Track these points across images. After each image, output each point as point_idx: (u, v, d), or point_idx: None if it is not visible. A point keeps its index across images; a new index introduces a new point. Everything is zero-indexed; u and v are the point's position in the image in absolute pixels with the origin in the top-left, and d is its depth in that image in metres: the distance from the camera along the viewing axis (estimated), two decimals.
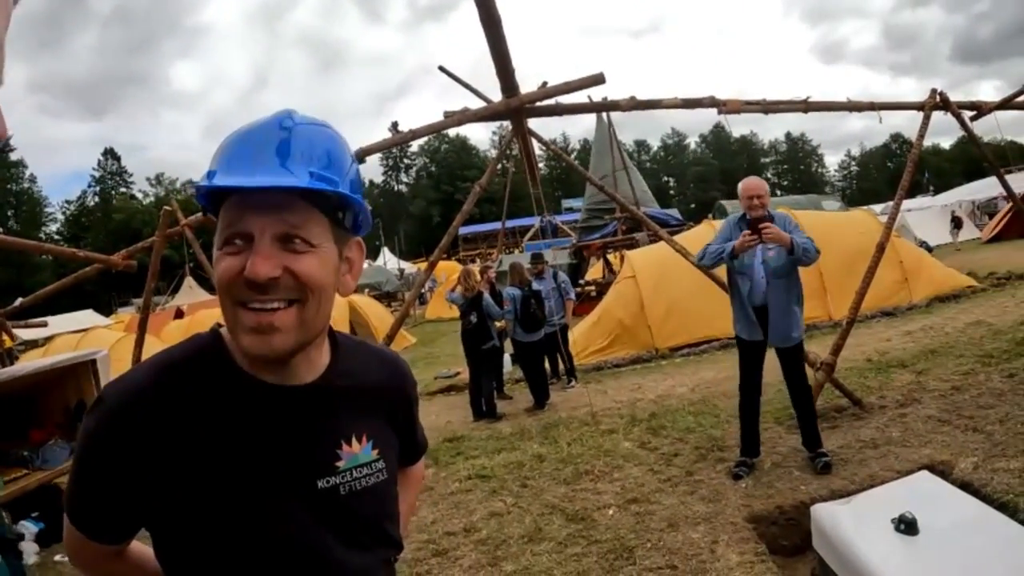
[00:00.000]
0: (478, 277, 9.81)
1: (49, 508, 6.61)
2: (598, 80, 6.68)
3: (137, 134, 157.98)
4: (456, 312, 11.03)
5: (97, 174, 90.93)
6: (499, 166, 8.04)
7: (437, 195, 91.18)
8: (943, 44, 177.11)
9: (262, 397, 1.16)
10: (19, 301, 10.44)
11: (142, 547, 1.32)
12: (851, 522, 3.53)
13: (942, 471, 4.59)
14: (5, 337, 10.90)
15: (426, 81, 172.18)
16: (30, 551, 6.10)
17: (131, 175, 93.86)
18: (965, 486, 4.19)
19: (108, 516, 1.17)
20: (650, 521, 4.90)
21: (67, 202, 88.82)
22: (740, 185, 5.49)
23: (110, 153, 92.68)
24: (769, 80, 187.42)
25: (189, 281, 40.41)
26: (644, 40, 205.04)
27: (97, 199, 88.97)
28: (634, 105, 6.85)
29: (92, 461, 1.13)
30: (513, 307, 9.47)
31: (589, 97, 7.07)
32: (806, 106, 6.97)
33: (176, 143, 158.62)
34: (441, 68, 8.47)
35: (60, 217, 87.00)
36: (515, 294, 9.50)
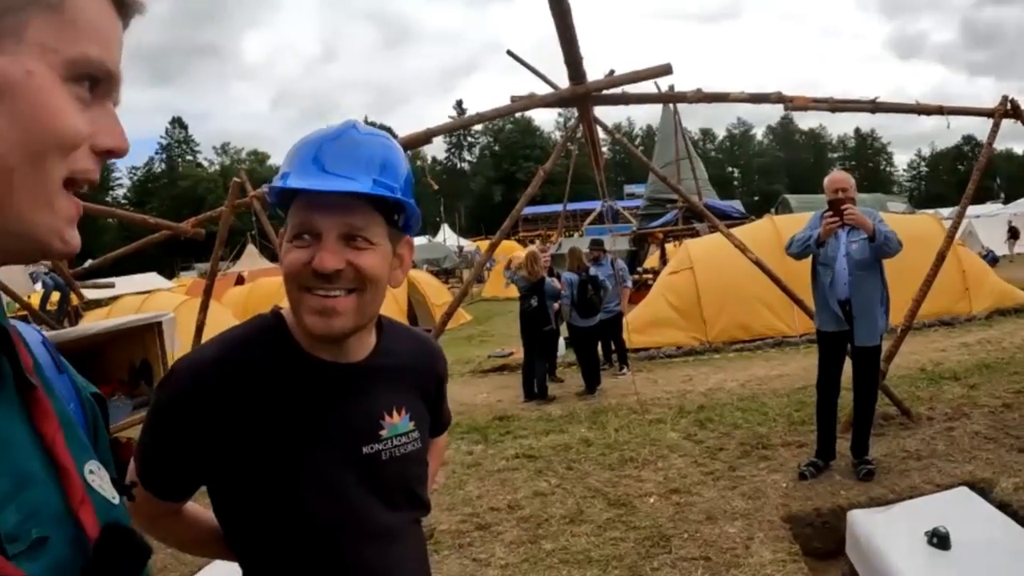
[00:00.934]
0: (542, 262, 9.96)
1: (114, 460, 6.97)
2: (666, 70, 6.77)
3: (204, 103, 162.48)
4: (512, 292, 11.19)
5: (164, 141, 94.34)
6: (570, 147, 8.18)
7: (498, 174, 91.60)
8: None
9: (318, 372, 1.34)
10: (89, 263, 10.87)
11: (196, 507, 1.50)
12: (884, 531, 3.64)
13: (982, 489, 4.65)
14: (73, 296, 11.35)
15: (492, 58, 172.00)
16: None
17: (197, 143, 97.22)
18: (1003, 506, 4.26)
19: (174, 477, 1.35)
20: (689, 512, 5.06)
21: (134, 168, 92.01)
22: (826, 179, 5.58)
23: (178, 122, 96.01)
24: (841, 72, 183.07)
25: (251, 249, 41.22)
26: (718, 26, 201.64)
27: (163, 166, 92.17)
28: (700, 97, 6.92)
29: (162, 429, 1.32)
30: (570, 292, 9.63)
31: (657, 86, 7.16)
32: (873, 106, 6.96)
33: (242, 113, 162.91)
34: (509, 52, 8.57)
35: (127, 182, 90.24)
36: (572, 279, 9.66)
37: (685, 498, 5.33)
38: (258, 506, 1.29)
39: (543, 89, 7.25)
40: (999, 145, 7.08)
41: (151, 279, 32.99)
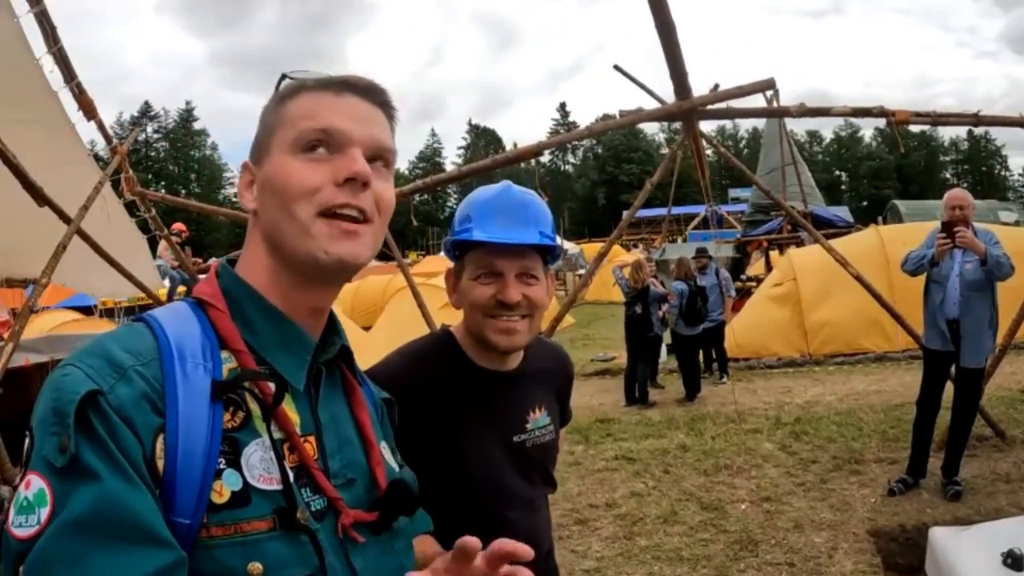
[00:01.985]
0: (647, 271, 10.26)
1: None
2: (769, 85, 6.96)
3: None
4: (615, 295, 11.45)
5: None
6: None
7: (602, 176, 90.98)
8: None
9: (482, 378, 1.74)
10: (213, 260, 11.68)
11: None
12: (962, 549, 3.86)
13: None
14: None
15: (597, 60, 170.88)
16: None
17: None
18: None
19: None
20: (778, 520, 5.35)
21: None
22: (945, 196, 5.78)
23: None
24: (952, 67, 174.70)
25: None
26: (825, 21, 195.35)
27: None
28: (804, 112, 7.05)
29: None
30: (679, 301, 9.91)
31: (766, 97, 7.30)
32: (976, 120, 6.93)
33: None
34: (616, 67, 8.83)
35: (237, 181, 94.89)
36: (682, 288, 9.96)
37: (775, 506, 5.62)
38: (430, 479, 1.65)
39: (648, 99, 7.57)
40: None
41: None
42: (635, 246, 37.66)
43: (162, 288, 11.43)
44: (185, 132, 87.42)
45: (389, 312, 16.17)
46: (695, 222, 34.51)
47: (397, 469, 1.22)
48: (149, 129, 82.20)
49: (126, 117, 79.63)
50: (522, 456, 1.78)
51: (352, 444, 1.11)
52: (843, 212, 25.44)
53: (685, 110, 6.79)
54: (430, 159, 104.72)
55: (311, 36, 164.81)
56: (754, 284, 19.41)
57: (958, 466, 5.72)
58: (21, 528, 0.80)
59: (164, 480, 0.86)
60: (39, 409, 0.86)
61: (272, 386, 0.98)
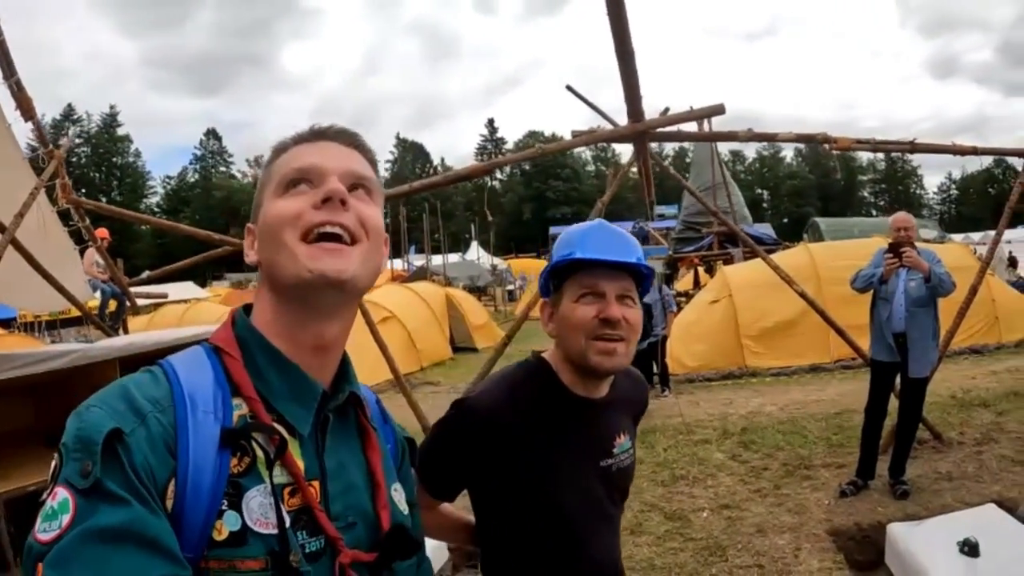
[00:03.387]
0: None
1: None
2: (719, 110, 7.30)
3: (244, 113, 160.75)
4: None
5: (199, 152, 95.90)
6: (601, 168, 8.67)
7: (528, 192, 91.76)
8: None
9: (575, 404, 1.80)
10: (146, 273, 11.33)
11: (448, 507, 1.96)
12: (921, 541, 4.13)
13: (1009, 507, 5.10)
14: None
15: (533, 76, 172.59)
16: None
17: (231, 155, 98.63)
18: None
19: (450, 479, 1.82)
20: (740, 525, 5.56)
21: (168, 177, 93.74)
22: (890, 218, 6.19)
23: (212, 133, 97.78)
24: (879, 91, 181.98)
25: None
26: (759, 43, 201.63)
27: (197, 176, 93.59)
28: (751, 137, 7.43)
29: (449, 442, 1.79)
30: None
31: (698, 123, 7.60)
32: (912, 147, 7.37)
33: (282, 124, 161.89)
34: (568, 88, 9.08)
35: (160, 191, 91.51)
36: None
37: (736, 513, 5.83)
38: (519, 502, 1.78)
39: (589, 116, 7.82)
40: None
41: (188, 289, 33.29)
42: None
43: (92, 300, 10.94)
44: (108, 137, 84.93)
45: None
46: None
47: (405, 511, 1.27)
48: (71, 133, 80.00)
49: (47, 120, 77.24)
50: (609, 479, 1.85)
51: (357, 489, 1.17)
52: (767, 229, 26.16)
53: (639, 132, 7.04)
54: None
55: (247, 41, 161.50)
56: (683, 300, 19.87)
57: (904, 467, 6.04)
58: (45, 533, 0.87)
59: (172, 517, 0.94)
60: (66, 436, 0.94)
61: (279, 437, 1.05)
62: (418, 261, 37.44)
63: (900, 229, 5.95)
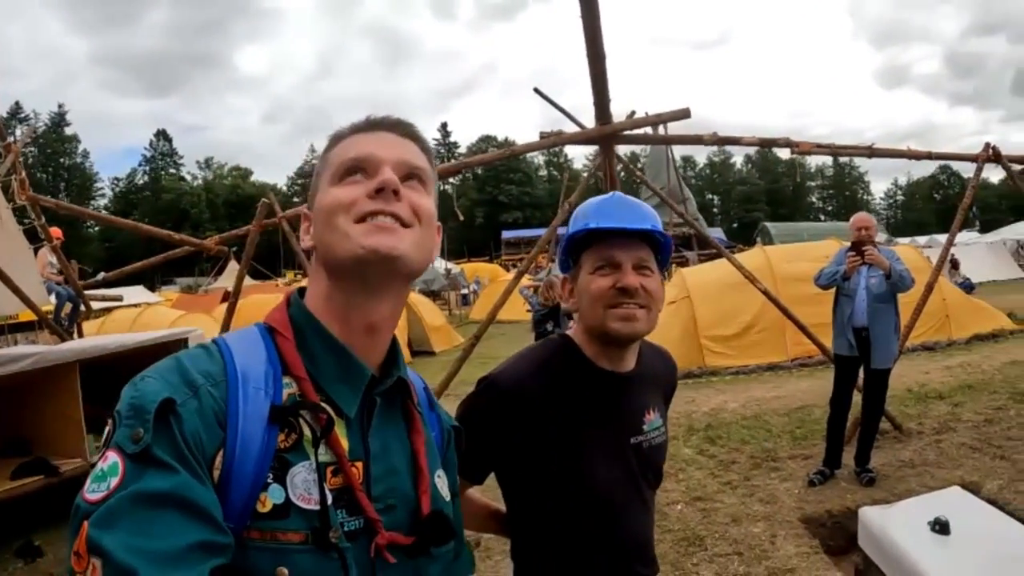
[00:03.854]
0: (560, 290, 10.51)
1: None
2: (685, 114, 7.43)
3: (196, 114, 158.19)
4: (504, 315, 11.60)
5: (148, 154, 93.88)
6: (553, 172, 8.77)
7: (481, 196, 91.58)
8: (1006, 76, 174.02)
9: (602, 379, 1.78)
10: (101, 275, 10.99)
11: (476, 494, 1.97)
12: (892, 523, 4.25)
13: (972, 490, 5.29)
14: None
15: (487, 81, 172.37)
16: None
17: (181, 157, 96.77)
18: (991, 503, 4.92)
19: (479, 460, 1.76)
20: (715, 516, 5.67)
21: (116, 179, 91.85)
22: (851, 218, 6.38)
23: (162, 134, 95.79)
24: (829, 100, 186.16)
25: (232, 265, 40.95)
26: (712, 52, 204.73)
27: (147, 178, 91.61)
28: (716, 141, 7.59)
29: (476, 420, 1.72)
30: None
31: (654, 128, 7.74)
32: (870, 152, 7.60)
33: (233, 126, 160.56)
34: (536, 91, 9.06)
35: (109, 192, 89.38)
36: None
37: (709, 504, 5.94)
38: (549, 479, 1.74)
39: (543, 122, 7.87)
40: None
41: (139, 293, 32.50)
42: (514, 266, 38.00)
43: (48, 305, 10.59)
44: (56, 137, 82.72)
45: None
46: None
47: (447, 498, 1.28)
48: (19, 132, 77.85)
49: None
50: (639, 456, 1.82)
51: (399, 473, 1.18)
52: (718, 233, 26.55)
53: (606, 135, 7.14)
54: (309, 175, 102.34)
55: (201, 40, 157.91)
56: None
57: (869, 456, 6.23)
58: (93, 493, 0.91)
59: (218, 487, 0.97)
60: (120, 404, 0.99)
61: (326, 416, 1.07)
62: None
63: (861, 228, 6.16)
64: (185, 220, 75.51)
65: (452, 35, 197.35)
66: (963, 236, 36.83)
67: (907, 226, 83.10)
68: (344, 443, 1.10)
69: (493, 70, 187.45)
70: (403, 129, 1.25)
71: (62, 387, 6.37)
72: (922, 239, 34.22)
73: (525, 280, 14.98)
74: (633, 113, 7.73)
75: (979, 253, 30.83)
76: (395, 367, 1.24)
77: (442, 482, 1.29)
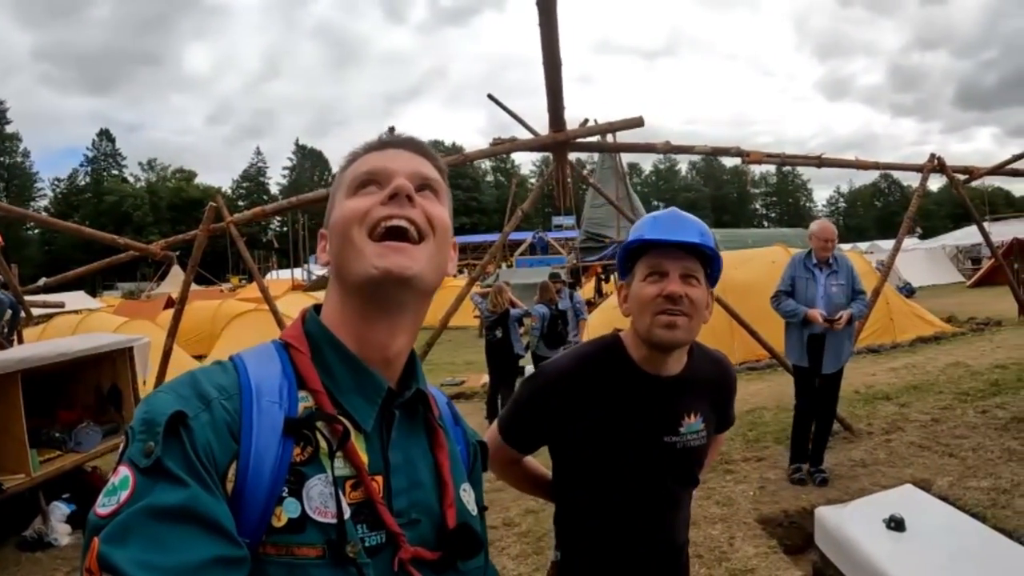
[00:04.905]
0: (507, 295, 10.51)
1: (81, 490, 6.86)
2: (638, 123, 7.50)
3: (139, 113, 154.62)
4: (458, 320, 11.61)
5: (91, 154, 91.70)
6: (500, 179, 8.79)
7: None
8: (947, 88, 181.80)
9: (643, 381, 1.92)
10: (43, 281, 10.69)
11: (533, 461, 2.20)
12: (849, 521, 4.31)
13: (923, 487, 5.39)
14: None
15: (435, 86, 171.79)
16: (63, 532, 6.37)
17: (124, 158, 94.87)
18: (943, 499, 5.01)
19: (527, 436, 2.05)
20: None
21: (57, 180, 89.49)
22: (815, 226, 6.44)
23: (105, 134, 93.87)
24: (772, 110, 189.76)
25: (176, 270, 40.17)
26: (658, 62, 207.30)
27: (88, 179, 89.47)
28: (669, 149, 7.67)
29: (528, 406, 2.02)
30: (541, 324, 10.21)
31: (603, 136, 7.79)
32: (819, 162, 7.78)
33: (178, 127, 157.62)
34: (490, 96, 9.02)
35: (49, 193, 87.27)
36: (544, 312, 10.22)
37: None
38: (584, 461, 1.95)
39: (490, 128, 7.92)
40: (915, 183, 8.02)
41: (80, 298, 31.82)
42: (460, 272, 37.84)
43: None
44: None
45: (227, 339, 15.87)
46: (522, 248, 35.14)
47: (474, 512, 1.25)
48: None
49: None
50: (671, 456, 1.94)
51: (422, 487, 1.16)
52: None
53: (560, 142, 7.16)
54: (254, 178, 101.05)
55: (146, 37, 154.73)
56: (589, 308, 20.17)
57: (822, 457, 6.31)
58: (104, 507, 0.89)
59: (232, 500, 0.95)
60: (133, 419, 0.97)
61: (342, 428, 1.06)
62: (319, 270, 36.88)
63: (828, 240, 6.29)
64: (127, 223, 73.69)
65: (402, 39, 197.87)
66: (904, 242, 37.56)
67: (849, 232, 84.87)
68: (363, 457, 1.08)
69: (442, 75, 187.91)
70: (415, 146, 1.25)
71: (3, 399, 6.13)
72: (863, 245, 35.00)
73: (475, 286, 14.98)
74: (586, 121, 7.79)
75: (919, 258, 31.61)
76: (414, 379, 1.22)
77: (468, 496, 1.26)
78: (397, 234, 1.12)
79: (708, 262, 1.91)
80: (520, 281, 21.05)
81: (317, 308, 1.22)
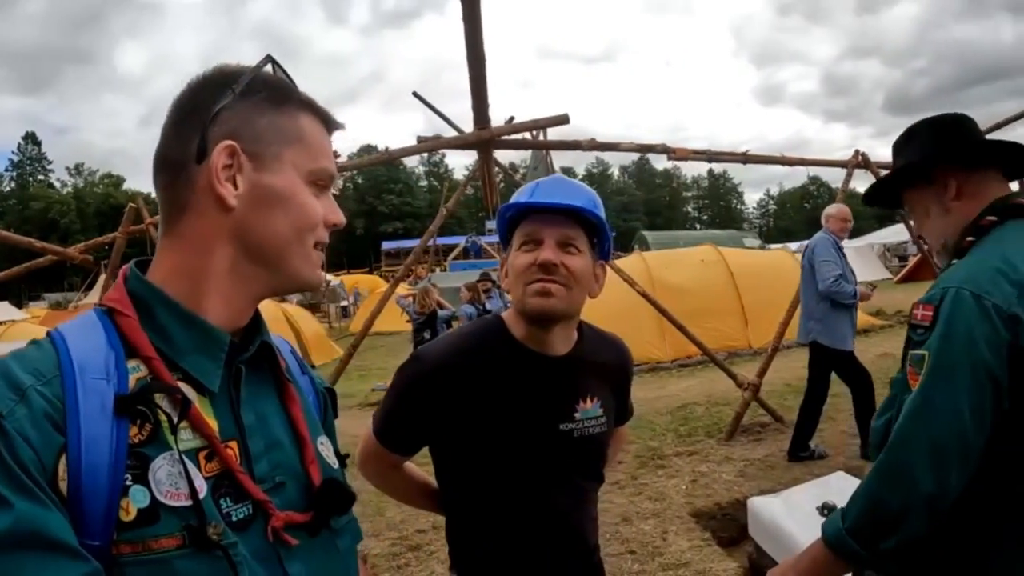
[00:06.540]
0: (434, 296, 10.38)
1: None
2: (563, 120, 7.39)
3: (70, 115, 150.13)
4: (380, 326, 11.47)
5: (16, 158, 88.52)
6: (434, 183, 8.64)
7: (361, 207, 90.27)
8: (877, 95, 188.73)
9: (529, 361, 1.74)
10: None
11: (412, 466, 1.95)
12: (782, 511, 4.23)
13: (855, 474, 5.35)
14: None
15: (372, 90, 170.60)
16: None
17: (51, 162, 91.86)
18: None
19: (405, 436, 1.80)
20: (605, 516, 5.51)
21: None
22: (833, 209, 6.64)
23: (31, 138, 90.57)
24: (707, 115, 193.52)
25: (104, 279, 39.12)
26: (597, 67, 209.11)
27: (13, 184, 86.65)
28: (594, 146, 7.57)
29: (403, 398, 1.78)
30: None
31: (532, 134, 7.71)
32: (745, 158, 7.80)
33: (109, 129, 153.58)
34: (415, 94, 8.94)
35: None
36: (471, 312, 10.10)
37: (599, 505, 5.81)
38: (473, 459, 1.73)
39: (425, 132, 7.76)
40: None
41: (4, 309, 30.68)
42: (392, 276, 37.59)
43: None
44: None
45: None
46: (455, 252, 35.10)
47: (335, 465, 1.19)
48: None
49: None
50: (568, 444, 1.77)
51: (281, 446, 1.08)
52: None
53: (484, 140, 7.02)
54: None
55: (77, 34, 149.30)
56: None
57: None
58: None
59: (69, 500, 0.83)
60: None
61: (181, 396, 0.95)
62: None
63: (847, 220, 6.54)
64: (54, 230, 71.35)
65: (343, 41, 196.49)
66: None
67: (779, 234, 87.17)
68: (212, 422, 0.98)
69: (380, 79, 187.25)
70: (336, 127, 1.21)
71: None
72: (793, 245, 35.59)
73: (403, 289, 14.79)
74: (512, 119, 7.63)
75: (849, 256, 32.23)
76: (257, 332, 1.12)
77: (327, 449, 1.18)
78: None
79: (595, 232, 1.76)
80: (452, 285, 20.89)
81: (140, 264, 1.07)
